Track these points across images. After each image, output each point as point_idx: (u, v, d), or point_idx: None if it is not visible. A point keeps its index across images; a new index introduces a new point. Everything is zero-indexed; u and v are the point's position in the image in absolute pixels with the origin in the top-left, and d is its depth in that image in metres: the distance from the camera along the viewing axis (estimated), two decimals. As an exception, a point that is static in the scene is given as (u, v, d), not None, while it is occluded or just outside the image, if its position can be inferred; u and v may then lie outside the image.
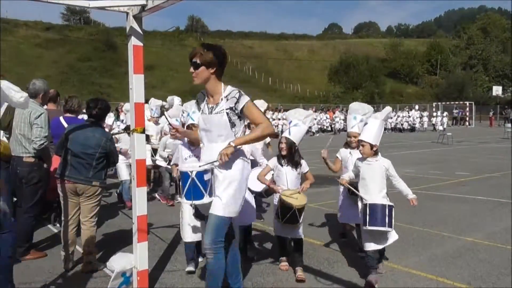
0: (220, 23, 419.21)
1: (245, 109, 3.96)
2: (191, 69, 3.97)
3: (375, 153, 4.97)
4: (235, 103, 3.95)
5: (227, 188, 3.95)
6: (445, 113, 43.80)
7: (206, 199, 3.93)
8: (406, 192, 5.02)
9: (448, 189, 10.69)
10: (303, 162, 5.40)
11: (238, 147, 3.94)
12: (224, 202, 3.93)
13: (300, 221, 5.14)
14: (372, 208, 4.71)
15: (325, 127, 36.48)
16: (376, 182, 4.93)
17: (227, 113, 3.94)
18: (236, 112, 3.97)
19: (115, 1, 4.23)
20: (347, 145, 6.02)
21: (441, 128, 28.88)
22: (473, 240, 6.57)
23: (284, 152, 5.32)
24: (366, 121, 5.50)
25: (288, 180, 5.30)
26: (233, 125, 3.98)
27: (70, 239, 5.40)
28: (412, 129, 39.62)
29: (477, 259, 5.78)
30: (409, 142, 25.88)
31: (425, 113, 42.62)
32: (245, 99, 3.97)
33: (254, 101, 6.56)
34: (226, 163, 3.89)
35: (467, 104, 48.81)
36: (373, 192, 4.91)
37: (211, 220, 3.96)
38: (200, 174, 3.88)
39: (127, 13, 4.33)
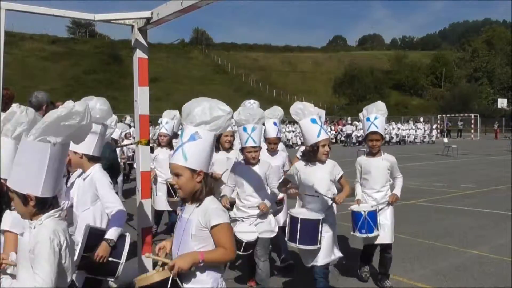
0: (225, 35, 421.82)
1: None
2: None
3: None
4: None
5: None
6: (435, 125, 43.74)
7: None
8: None
9: (453, 202, 10.63)
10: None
11: None
12: None
13: None
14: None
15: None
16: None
17: None
18: None
19: (120, 14, 4.28)
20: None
21: (446, 140, 28.75)
22: (479, 253, 6.52)
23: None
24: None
25: None
26: None
27: (74, 251, 5.38)
28: (400, 142, 37.91)
29: (483, 272, 5.73)
30: (414, 154, 25.79)
31: (427, 126, 42.15)
32: None
33: (266, 111, 6.17)
34: None
35: (472, 116, 48.73)
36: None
37: None
38: None
39: (132, 26, 4.38)
